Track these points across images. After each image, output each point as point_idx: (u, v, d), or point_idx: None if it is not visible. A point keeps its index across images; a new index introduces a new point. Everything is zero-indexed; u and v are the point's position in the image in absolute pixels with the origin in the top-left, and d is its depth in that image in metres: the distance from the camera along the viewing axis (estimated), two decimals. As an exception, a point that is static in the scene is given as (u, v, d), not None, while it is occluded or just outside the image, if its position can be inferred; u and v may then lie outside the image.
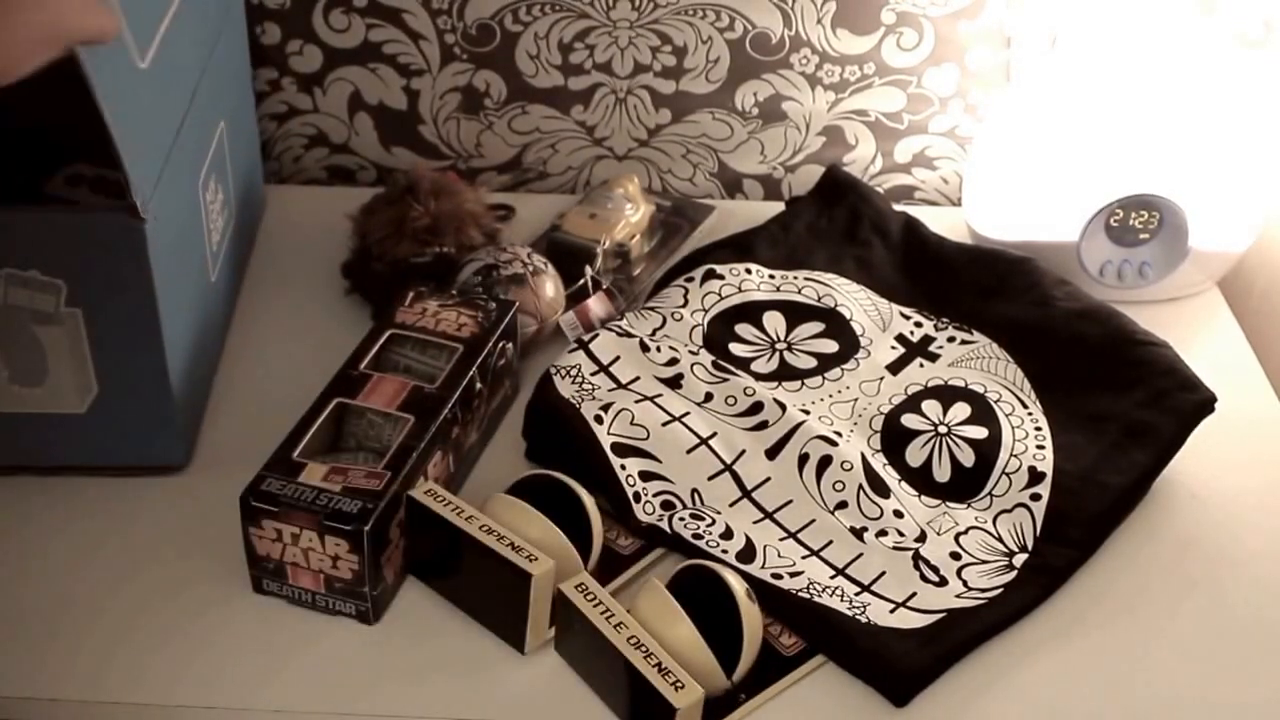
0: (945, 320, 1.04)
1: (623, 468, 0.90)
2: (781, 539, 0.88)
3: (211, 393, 1.00)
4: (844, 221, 1.12)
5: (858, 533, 0.88)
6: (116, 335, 0.85)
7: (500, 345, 0.94)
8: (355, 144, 1.26)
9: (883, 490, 0.90)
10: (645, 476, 0.90)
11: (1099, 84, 1.08)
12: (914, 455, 0.94)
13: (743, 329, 1.02)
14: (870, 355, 1.01)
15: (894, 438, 0.95)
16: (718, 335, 1.01)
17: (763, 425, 0.94)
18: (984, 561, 0.87)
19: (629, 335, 0.99)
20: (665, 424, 0.93)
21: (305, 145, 1.26)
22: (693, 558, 0.83)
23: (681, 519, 0.88)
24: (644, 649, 0.74)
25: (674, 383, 0.97)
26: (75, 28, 0.65)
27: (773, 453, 0.92)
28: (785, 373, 1.00)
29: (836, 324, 1.03)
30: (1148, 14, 1.08)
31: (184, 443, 0.92)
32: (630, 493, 0.89)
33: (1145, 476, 0.92)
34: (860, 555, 0.87)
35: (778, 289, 1.05)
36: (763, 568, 0.85)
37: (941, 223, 1.14)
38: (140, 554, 0.87)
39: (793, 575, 0.84)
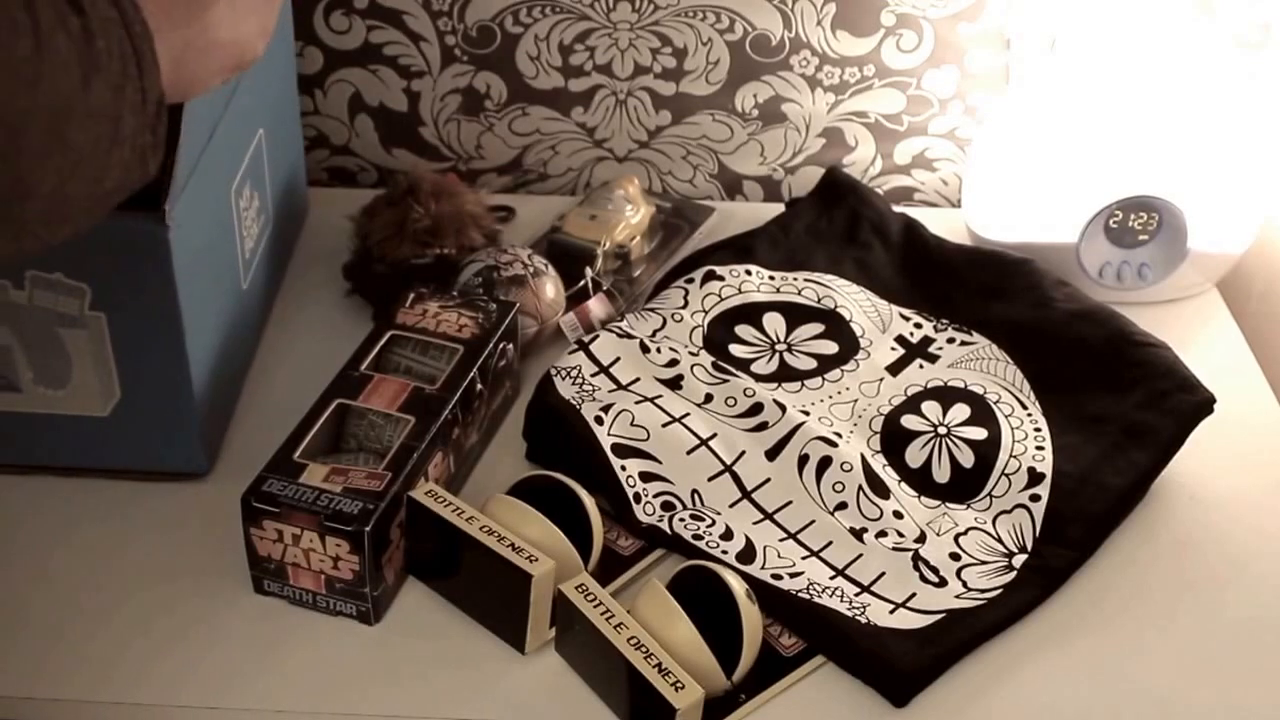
0: (945, 321, 1.05)
1: (623, 468, 0.90)
2: (781, 540, 0.88)
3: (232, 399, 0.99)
4: (844, 223, 1.12)
5: (857, 533, 0.88)
6: (139, 340, 0.85)
7: (501, 346, 0.95)
8: (356, 145, 1.26)
9: (882, 491, 0.90)
10: (645, 477, 0.90)
11: (1098, 86, 1.08)
12: (914, 456, 0.94)
13: (743, 330, 1.02)
14: (870, 356, 1.01)
15: (894, 439, 0.95)
16: (718, 336, 1.01)
17: (763, 426, 0.94)
18: (983, 562, 0.87)
19: (629, 336, 0.99)
20: (665, 425, 0.93)
21: (306, 147, 1.26)
22: (693, 558, 0.84)
23: (681, 520, 0.88)
24: (644, 649, 0.75)
25: (674, 384, 0.97)
26: (250, 56, 0.68)
27: (773, 454, 0.92)
28: (785, 374, 1.00)
29: (836, 325, 1.03)
30: (1147, 16, 1.09)
31: (205, 450, 0.91)
32: (630, 493, 0.89)
33: (1144, 477, 0.92)
34: (860, 556, 0.87)
35: (778, 290, 1.05)
36: (763, 568, 0.85)
37: (941, 224, 1.14)
38: (142, 555, 0.87)
39: (792, 576, 0.85)
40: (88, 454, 0.90)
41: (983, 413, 0.96)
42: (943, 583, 0.85)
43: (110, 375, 0.86)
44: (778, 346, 1.02)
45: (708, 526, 0.88)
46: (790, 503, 0.90)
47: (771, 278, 1.06)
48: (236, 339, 0.98)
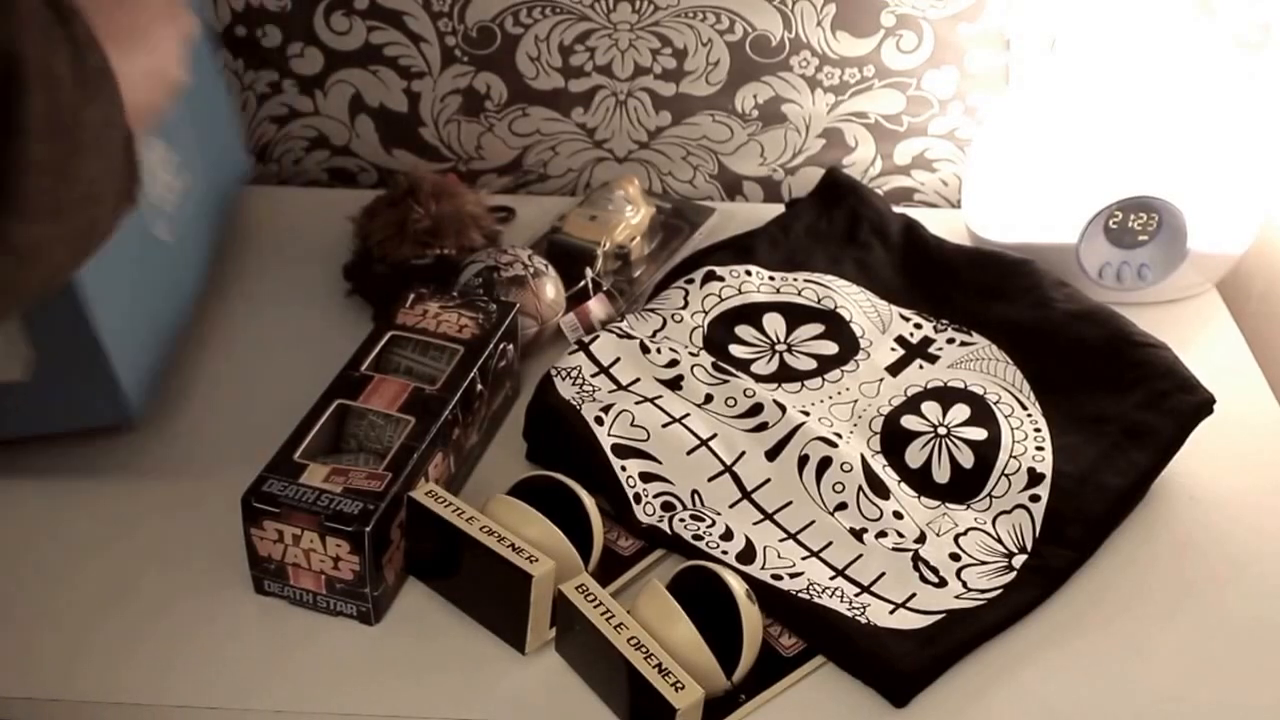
0: (945, 322, 1.05)
1: (623, 469, 0.90)
2: (781, 540, 0.88)
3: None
4: (844, 223, 1.12)
5: (857, 534, 0.88)
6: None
7: (501, 347, 0.95)
8: (356, 146, 1.27)
9: (882, 491, 0.90)
10: (645, 478, 0.90)
11: (1098, 86, 1.08)
12: (913, 456, 0.94)
13: (743, 330, 1.02)
14: (870, 357, 1.01)
15: (894, 439, 0.95)
16: (718, 337, 1.01)
17: (763, 427, 0.94)
18: (983, 562, 0.87)
19: (629, 337, 0.99)
20: (665, 425, 0.93)
21: (306, 147, 1.26)
22: (693, 559, 0.84)
23: (682, 520, 0.88)
24: (644, 649, 0.75)
25: (674, 384, 0.97)
26: (174, 74, 0.67)
27: (773, 454, 0.92)
28: (785, 374, 1.00)
29: (836, 326, 1.03)
30: (1147, 17, 1.09)
31: (131, 400, 0.89)
32: (630, 494, 0.89)
33: (1144, 478, 0.92)
34: (860, 556, 0.87)
35: (778, 291, 1.05)
36: (762, 568, 0.85)
37: (941, 225, 1.14)
38: (142, 555, 0.87)
39: (792, 576, 0.85)
40: (14, 421, 0.88)
41: (983, 413, 0.96)
42: (943, 583, 0.85)
43: (19, 336, 0.83)
44: (778, 347, 1.02)
45: (708, 527, 0.88)
46: (790, 503, 0.90)
47: (771, 278, 1.06)
48: (156, 289, 0.94)
